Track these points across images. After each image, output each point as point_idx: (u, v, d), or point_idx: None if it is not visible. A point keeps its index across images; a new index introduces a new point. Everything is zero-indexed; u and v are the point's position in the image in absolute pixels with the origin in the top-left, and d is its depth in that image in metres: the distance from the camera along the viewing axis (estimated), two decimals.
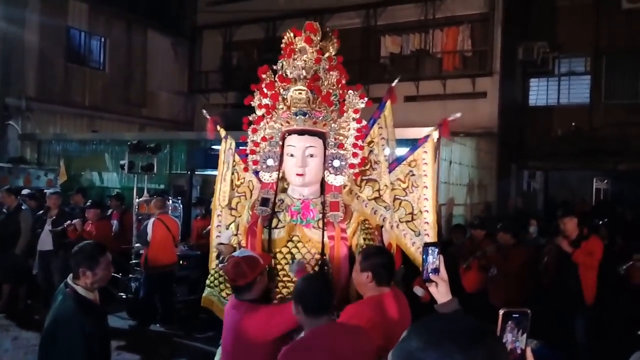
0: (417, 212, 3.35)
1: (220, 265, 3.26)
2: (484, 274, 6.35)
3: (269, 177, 3.13)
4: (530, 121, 15.84)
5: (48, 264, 8.02)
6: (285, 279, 3.01)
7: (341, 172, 3.09)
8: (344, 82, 3.23)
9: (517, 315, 1.38)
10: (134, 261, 8.38)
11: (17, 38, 13.32)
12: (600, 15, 14.65)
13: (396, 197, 3.37)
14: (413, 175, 3.37)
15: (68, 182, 11.96)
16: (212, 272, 3.37)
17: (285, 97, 3.03)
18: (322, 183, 3.17)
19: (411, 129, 8.06)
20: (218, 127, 3.57)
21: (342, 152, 3.12)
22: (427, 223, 3.35)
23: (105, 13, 15.74)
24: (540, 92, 16.21)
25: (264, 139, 3.17)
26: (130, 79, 16.67)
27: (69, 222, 7.72)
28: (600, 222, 9.61)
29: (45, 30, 13.97)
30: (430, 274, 1.92)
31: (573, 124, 15.12)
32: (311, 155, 3.03)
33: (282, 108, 3.07)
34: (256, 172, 3.36)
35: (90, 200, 8.74)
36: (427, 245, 1.98)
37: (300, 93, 2.98)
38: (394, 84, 3.50)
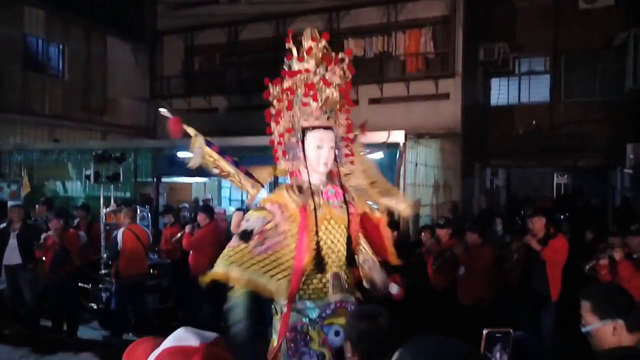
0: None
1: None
2: (452, 273, 6.48)
3: (291, 165, 3.46)
4: (492, 120, 16.13)
5: (16, 279, 7.79)
6: (328, 251, 3.31)
7: (341, 161, 3.52)
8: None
9: (500, 335, 1.41)
10: (103, 271, 8.28)
11: None
12: (559, 16, 15.06)
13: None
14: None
15: (31, 193, 11.68)
16: (226, 250, 3.27)
17: (321, 96, 3.35)
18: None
19: (376, 132, 8.12)
20: (184, 126, 3.49)
21: (341, 143, 3.52)
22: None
23: (62, 20, 15.45)
24: (501, 92, 16.52)
25: (288, 130, 3.45)
26: (90, 86, 16.39)
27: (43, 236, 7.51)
28: (562, 217, 9.87)
29: (1, 38, 13.62)
30: None
31: (534, 122, 15.51)
32: (331, 147, 3.42)
33: (315, 105, 3.37)
34: (235, 163, 3.54)
35: (52, 211, 8.47)
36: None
37: (337, 96, 3.39)
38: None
